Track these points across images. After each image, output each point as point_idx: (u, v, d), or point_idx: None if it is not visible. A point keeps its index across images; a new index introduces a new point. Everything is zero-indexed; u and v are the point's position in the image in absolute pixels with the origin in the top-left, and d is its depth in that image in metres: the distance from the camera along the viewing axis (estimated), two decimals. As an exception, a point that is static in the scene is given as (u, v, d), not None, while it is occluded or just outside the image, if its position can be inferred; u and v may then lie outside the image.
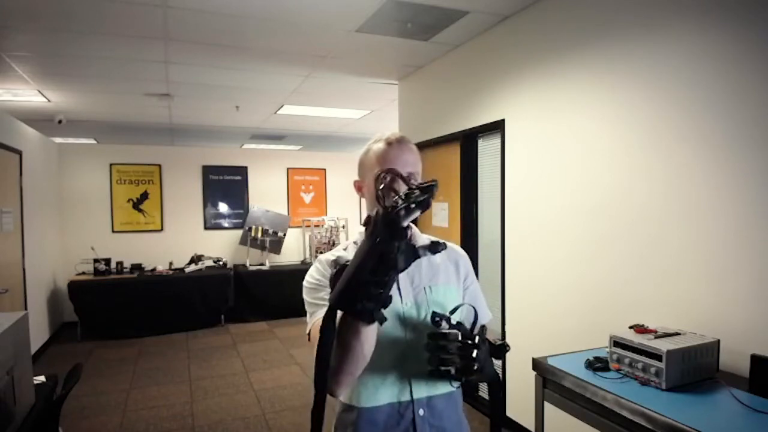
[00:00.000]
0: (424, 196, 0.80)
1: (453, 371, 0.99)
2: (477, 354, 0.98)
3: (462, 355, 0.98)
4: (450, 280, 1.20)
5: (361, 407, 1.08)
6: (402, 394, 1.09)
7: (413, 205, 0.79)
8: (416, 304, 1.13)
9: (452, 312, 1.07)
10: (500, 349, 1.06)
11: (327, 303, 0.88)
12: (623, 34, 2.27)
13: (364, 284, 0.82)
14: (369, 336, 0.93)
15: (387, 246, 0.80)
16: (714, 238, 1.91)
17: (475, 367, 0.98)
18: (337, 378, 0.96)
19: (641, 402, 1.55)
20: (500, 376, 1.13)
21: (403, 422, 1.08)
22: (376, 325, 0.89)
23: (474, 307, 1.10)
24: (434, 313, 1.03)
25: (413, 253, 0.84)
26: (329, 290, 1.09)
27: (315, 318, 1.07)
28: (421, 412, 1.09)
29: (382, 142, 1.15)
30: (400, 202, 0.81)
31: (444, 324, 1.02)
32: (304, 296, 1.16)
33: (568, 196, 2.64)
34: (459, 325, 1.03)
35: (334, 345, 0.88)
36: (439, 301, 1.14)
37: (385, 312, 1.08)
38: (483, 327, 1.05)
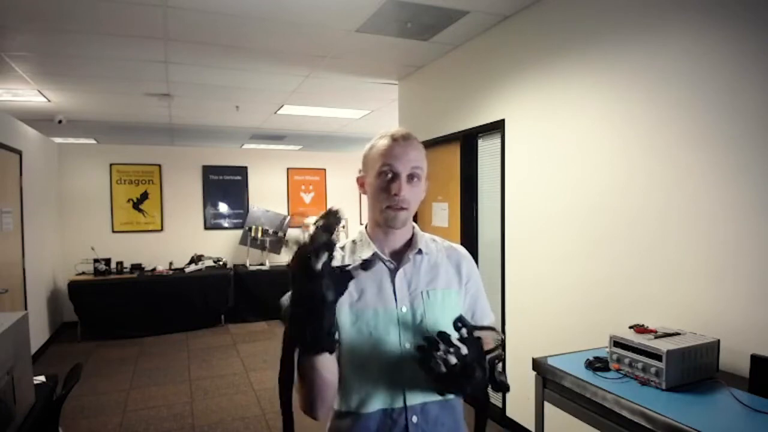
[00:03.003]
0: (324, 237, 0.85)
1: (435, 372, 0.94)
2: (470, 376, 0.93)
3: (450, 368, 0.93)
4: (450, 283, 1.16)
5: (354, 413, 1.06)
6: (395, 401, 1.06)
7: (318, 248, 0.85)
8: (412, 309, 1.09)
9: (480, 329, 1.01)
10: (500, 386, 1.01)
11: None
12: (623, 34, 2.27)
13: (300, 320, 0.88)
14: (325, 364, 0.97)
15: (305, 287, 0.85)
16: (714, 237, 1.91)
17: (461, 386, 0.95)
18: (311, 405, 1.00)
19: (641, 402, 1.55)
20: (489, 398, 1.10)
21: (396, 429, 1.05)
22: (328, 354, 0.94)
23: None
24: (461, 317, 1.00)
25: (345, 278, 0.90)
26: None
27: None
28: (414, 419, 1.06)
29: (387, 137, 1.12)
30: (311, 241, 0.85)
31: (462, 332, 0.97)
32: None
33: (568, 196, 2.64)
34: (475, 340, 0.98)
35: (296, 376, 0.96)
36: (438, 307, 1.11)
37: (381, 316, 1.08)
38: (499, 356, 1.01)
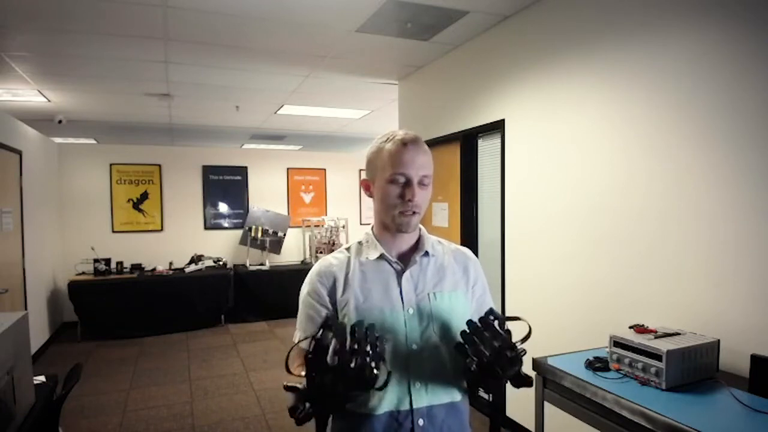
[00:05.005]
0: (341, 338, 0.90)
1: (474, 366, 0.95)
2: (509, 366, 0.95)
3: (496, 352, 0.95)
4: (458, 285, 1.15)
5: (360, 414, 1.06)
6: (401, 403, 1.06)
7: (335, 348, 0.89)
8: (419, 311, 1.09)
9: (510, 319, 1.04)
10: (523, 380, 1.04)
11: (319, 322, 1.00)
12: (623, 34, 2.27)
13: (317, 398, 0.90)
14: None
15: (318, 378, 0.88)
16: (714, 237, 1.91)
17: (499, 372, 0.96)
18: None
19: (641, 402, 1.55)
20: (505, 401, 1.14)
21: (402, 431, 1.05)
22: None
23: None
24: (491, 310, 1.03)
25: (368, 380, 0.89)
26: (321, 308, 1.11)
27: (298, 341, 1.08)
28: (420, 422, 1.06)
29: (396, 142, 1.08)
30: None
31: (495, 324, 0.99)
32: (299, 305, 1.16)
33: (568, 196, 2.64)
34: (507, 332, 1.00)
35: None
36: (444, 309, 1.10)
37: (388, 316, 1.07)
38: (523, 350, 1.02)
